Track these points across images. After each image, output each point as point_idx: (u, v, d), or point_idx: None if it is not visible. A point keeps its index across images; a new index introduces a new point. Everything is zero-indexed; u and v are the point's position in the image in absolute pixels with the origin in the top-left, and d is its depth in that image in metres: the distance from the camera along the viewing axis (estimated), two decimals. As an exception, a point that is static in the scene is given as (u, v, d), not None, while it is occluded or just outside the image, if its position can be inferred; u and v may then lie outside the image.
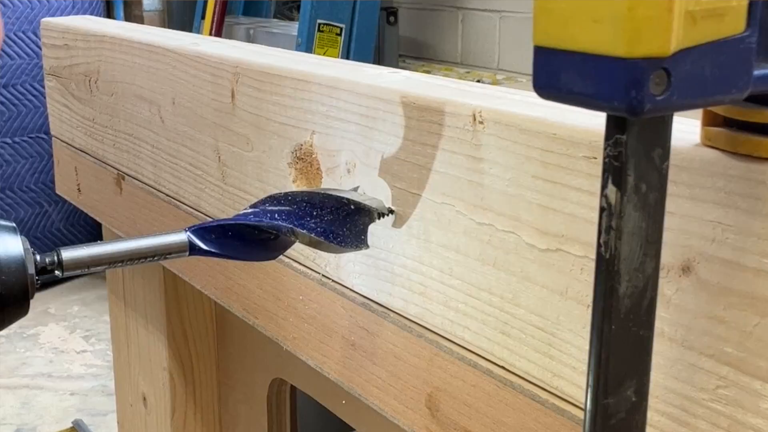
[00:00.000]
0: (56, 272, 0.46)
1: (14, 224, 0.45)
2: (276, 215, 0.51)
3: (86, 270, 0.47)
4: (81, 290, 2.78)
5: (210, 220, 0.53)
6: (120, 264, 0.48)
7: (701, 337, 0.39)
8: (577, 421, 0.45)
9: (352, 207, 0.52)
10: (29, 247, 0.45)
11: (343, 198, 0.52)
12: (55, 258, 0.46)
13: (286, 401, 0.95)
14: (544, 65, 0.32)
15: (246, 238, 0.51)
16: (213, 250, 0.50)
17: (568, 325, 0.45)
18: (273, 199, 0.53)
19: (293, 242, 0.53)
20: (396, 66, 2.26)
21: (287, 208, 0.52)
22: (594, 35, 0.29)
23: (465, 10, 2.51)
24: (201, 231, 0.50)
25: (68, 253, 0.46)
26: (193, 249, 0.49)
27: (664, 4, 0.28)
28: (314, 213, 0.51)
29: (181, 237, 0.49)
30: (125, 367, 1.11)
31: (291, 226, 0.51)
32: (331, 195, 0.52)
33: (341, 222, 0.52)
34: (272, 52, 0.73)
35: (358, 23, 2.25)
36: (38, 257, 0.45)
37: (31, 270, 0.44)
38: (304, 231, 0.50)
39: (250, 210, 0.52)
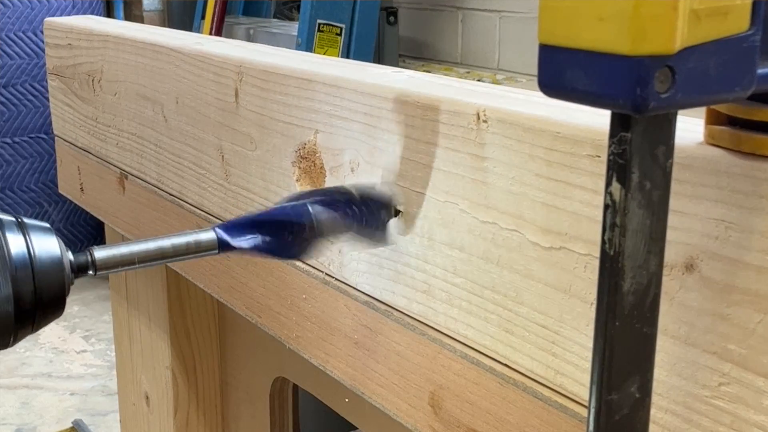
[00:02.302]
0: (89, 272, 0.46)
1: (49, 225, 0.45)
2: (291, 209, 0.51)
3: (118, 269, 0.47)
4: (81, 290, 2.78)
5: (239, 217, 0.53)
6: (151, 263, 0.48)
7: (704, 335, 0.39)
8: (580, 419, 0.46)
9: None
10: (65, 247, 0.45)
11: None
12: (89, 257, 0.46)
13: (288, 400, 0.95)
14: (549, 63, 0.32)
15: (275, 234, 0.51)
16: (242, 247, 0.50)
17: (572, 322, 0.45)
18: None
19: (323, 237, 0.53)
20: (396, 66, 2.26)
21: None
22: (599, 33, 0.30)
23: (465, 10, 2.52)
24: (229, 228, 0.50)
25: (101, 253, 0.46)
26: (222, 246, 0.49)
27: (670, 2, 0.29)
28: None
29: (210, 235, 0.49)
30: (128, 366, 1.11)
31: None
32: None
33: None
34: (276, 51, 0.73)
35: (358, 23, 2.25)
36: (73, 257, 0.46)
37: (68, 271, 0.45)
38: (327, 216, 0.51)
39: (277, 205, 0.53)
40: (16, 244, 0.43)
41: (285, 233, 0.51)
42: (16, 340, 0.43)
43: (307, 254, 0.54)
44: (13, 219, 0.44)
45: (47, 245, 0.44)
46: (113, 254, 0.47)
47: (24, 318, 0.43)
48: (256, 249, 0.51)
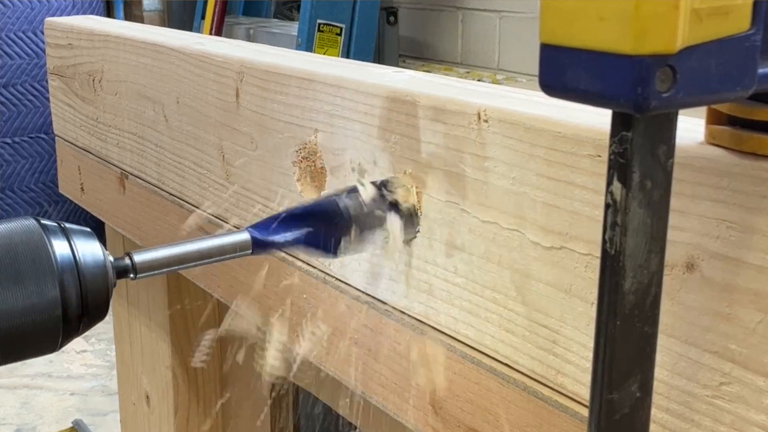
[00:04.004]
0: (130, 275, 0.46)
1: (90, 229, 0.45)
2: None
3: (156, 272, 0.47)
4: (81, 290, 2.77)
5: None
6: (188, 265, 0.48)
7: (705, 334, 0.39)
8: (580, 419, 0.46)
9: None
10: (106, 251, 0.45)
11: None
12: (129, 261, 0.46)
13: (288, 399, 0.95)
14: (551, 62, 0.32)
15: (305, 229, 0.51)
16: (275, 245, 0.50)
17: (572, 322, 0.45)
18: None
19: (355, 230, 0.53)
20: (396, 66, 2.25)
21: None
22: (600, 33, 0.30)
23: (465, 10, 2.52)
24: (261, 227, 0.50)
25: (140, 256, 0.47)
26: (256, 246, 0.50)
27: (671, 1, 0.29)
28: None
29: (244, 236, 0.49)
30: (128, 366, 1.11)
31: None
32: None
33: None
34: (276, 51, 0.73)
35: (358, 23, 2.26)
36: (114, 261, 0.46)
37: (112, 275, 0.45)
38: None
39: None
40: (61, 249, 0.43)
41: (314, 227, 0.51)
42: (61, 345, 0.43)
43: (342, 249, 0.54)
44: (56, 224, 0.44)
45: (91, 249, 0.44)
46: (152, 257, 0.47)
47: (71, 322, 0.43)
48: (288, 245, 0.51)
